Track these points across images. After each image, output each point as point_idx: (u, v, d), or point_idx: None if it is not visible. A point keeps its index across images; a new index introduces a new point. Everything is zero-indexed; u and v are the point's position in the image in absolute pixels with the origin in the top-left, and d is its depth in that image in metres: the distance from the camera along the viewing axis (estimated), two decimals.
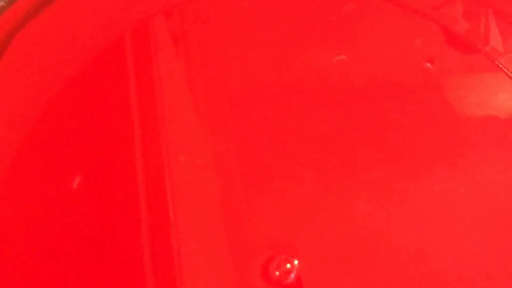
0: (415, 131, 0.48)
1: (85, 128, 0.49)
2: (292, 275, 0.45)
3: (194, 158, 0.48)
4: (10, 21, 0.50)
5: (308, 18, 0.51)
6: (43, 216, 0.47)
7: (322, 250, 0.46)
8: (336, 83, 0.50)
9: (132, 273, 0.46)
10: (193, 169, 0.48)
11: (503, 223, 0.47)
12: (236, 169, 0.48)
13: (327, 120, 0.49)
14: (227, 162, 0.48)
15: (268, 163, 0.48)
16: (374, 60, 0.50)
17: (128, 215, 0.47)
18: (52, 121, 0.49)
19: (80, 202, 0.47)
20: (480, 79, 0.51)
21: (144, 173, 0.47)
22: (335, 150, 0.48)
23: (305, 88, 0.50)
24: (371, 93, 0.49)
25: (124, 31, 0.51)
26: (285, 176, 0.47)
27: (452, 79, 0.50)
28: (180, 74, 0.51)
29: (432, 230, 0.46)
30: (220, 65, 0.51)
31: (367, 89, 0.50)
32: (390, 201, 0.47)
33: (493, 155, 0.48)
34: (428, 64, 0.50)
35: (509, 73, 0.50)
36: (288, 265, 0.45)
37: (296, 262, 0.45)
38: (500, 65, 0.50)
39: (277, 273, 0.45)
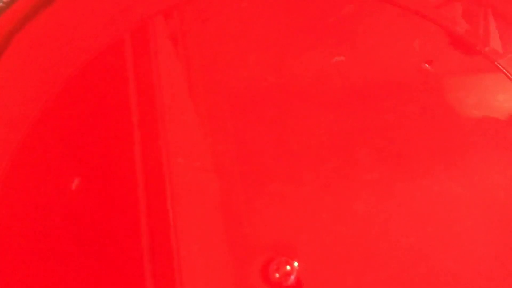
0: (414, 132, 0.48)
1: (85, 129, 0.49)
2: (292, 277, 0.45)
3: (194, 159, 0.48)
4: (10, 22, 0.50)
5: (307, 19, 0.51)
6: (43, 216, 0.46)
7: (322, 252, 0.46)
8: (335, 84, 0.50)
9: (132, 275, 0.46)
10: (193, 170, 0.48)
11: (502, 224, 0.47)
12: (235, 170, 0.48)
13: (326, 121, 0.49)
14: (227, 163, 0.48)
15: (267, 164, 0.48)
16: (373, 61, 0.50)
17: (127, 215, 0.47)
18: (52, 121, 0.49)
19: (79, 202, 0.47)
20: (479, 80, 0.51)
21: (143, 174, 0.47)
22: (334, 151, 0.48)
23: (304, 89, 0.50)
24: (370, 94, 0.49)
25: (123, 31, 0.51)
26: (284, 177, 0.47)
27: (452, 80, 0.50)
28: (180, 75, 0.51)
29: (432, 231, 0.46)
30: (220, 65, 0.51)
31: (366, 90, 0.50)
32: (390, 202, 0.47)
33: (493, 156, 0.48)
34: (427, 65, 0.50)
35: (508, 74, 0.50)
36: (288, 267, 0.45)
37: (296, 264, 0.45)
38: (500, 66, 0.50)
39: (277, 275, 0.45)
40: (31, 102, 0.49)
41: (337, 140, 0.48)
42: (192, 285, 0.46)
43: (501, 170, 0.48)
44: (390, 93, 0.49)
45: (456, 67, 0.50)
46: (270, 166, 0.48)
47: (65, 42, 0.50)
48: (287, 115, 0.49)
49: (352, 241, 0.46)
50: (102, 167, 0.48)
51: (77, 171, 0.47)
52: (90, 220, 0.46)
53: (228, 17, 0.52)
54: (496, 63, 0.50)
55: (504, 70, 0.50)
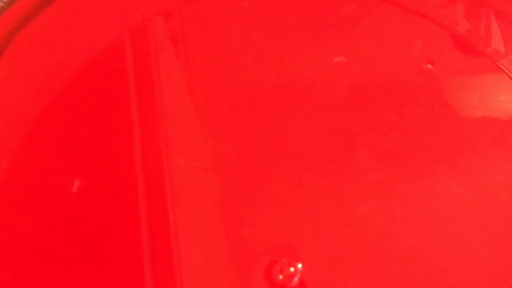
0: (415, 132, 0.48)
1: (85, 129, 0.49)
2: (296, 279, 0.45)
3: (194, 159, 0.48)
4: (10, 22, 0.50)
5: (308, 19, 0.51)
6: (43, 217, 0.46)
7: (324, 253, 0.46)
8: (336, 84, 0.50)
9: (132, 275, 0.45)
10: (193, 170, 0.48)
11: (504, 224, 0.46)
12: (236, 170, 0.48)
13: (327, 121, 0.49)
14: (227, 164, 0.48)
15: (268, 164, 0.48)
16: (374, 61, 0.50)
17: (127, 216, 0.46)
18: (52, 122, 0.49)
19: (79, 203, 0.47)
20: (481, 80, 0.51)
21: (143, 174, 0.47)
22: (335, 152, 0.48)
23: (305, 89, 0.50)
24: (372, 94, 0.49)
25: (123, 32, 0.51)
26: (285, 178, 0.47)
27: (453, 80, 0.50)
28: (180, 75, 0.51)
29: (434, 231, 0.46)
30: (220, 66, 0.51)
31: (367, 90, 0.50)
32: (392, 202, 0.47)
33: (494, 156, 0.48)
34: (429, 65, 0.50)
35: (510, 74, 0.50)
36: (292, 269, 0.45)
37: (299, 265, 0.45)
38: (502, 66, 0.50)
39: (280, 276, 0.45)
40: (31, 102, 0.49)
41: (338, 140, 0.48)
42: (193, 287, 0.46)
43: (503, 170, 0.48)
44: (392, 93, 0.49)
45: (458, 68, 0.50)
46: (271, 167, 0.48)
47: (65, 42, 0.51)
48: (288, 116, 0.49)
49: (354, 241, 0.46)
50: (102, 167, 0.48)
51: (77, 172, 0.47)
52: (89, 220, 0.46)
53: (228, 18, 0.52)
54: (498, 63, 0.50)
55: (506, 70, 0.50)
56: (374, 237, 0.46)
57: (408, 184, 0.47)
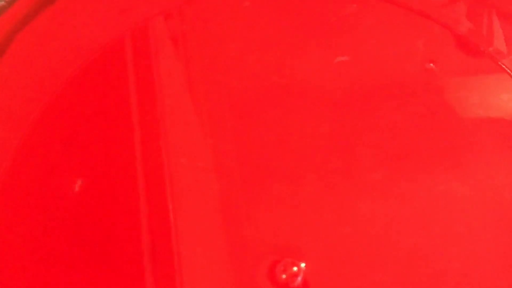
0: (418, 131, 0.48)
1: (85, 129, 0.49)
2: (299, 278, 0.45)
3: (195, 160, 0.48)
4: (11, 21, 0.50)
5: (310, 19, 0.51)
6: (43, 217, 0.46)
7: (327, 252, 0.46)
8: (338, 84, 0.50)
9: (132, 276, 0.45)
10: (194, 170, 0.48)
11: (507, 223, 0.46)
12: (237, 171, 0.48)
13: (329, 121, 0.49)
14: (228, 164, 0.48)
15: (270, 164, 0.48)
16: (376, 60, 0.50)
17: (128, 216, 0.46)
18: (52, 121, 0.49)
19: (79, 203, 0.47)
20: (483, 80, 0.51)
21: (144, 175, 0.47)
22: (337, 151, 0.48)
23: (306, 89, 0.50)
24: (374, 93, 0.49)
25: (124, 32, 0.51)
26: (287, 178, 0.47)
27: (455, 80, 0.50)
28: (180, 75, 0.51)
29: (436, 230, 0.46)
30: (220, 66, 0.51)
31: (369, 90, 0.49)
32: (393, 202, 0.47)
33: (497, 156, 0.48)
34: (431, 65, 0.50)
35: None
36: (295, 268, 0.45)
37: (302, 265, 0.45)
38: (503, 66, 0.50)
39: (283, 276, 0.45)
40: (32, 101, 0.49)
41: (340, 140, 0.48)
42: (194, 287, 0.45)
43: (505, 169, 0.48)
44: (393, 93, 0.49)
45: (460, 67, 0.50)
46: (273, 166, 0.48)
47: (66, 41, 0.51)
48: (289, 115, 0.49)
49: (357, 241, 0.46)
50: (102, 167, 0.48)
51: (78, 171, 0.47)
52: (90, 220, 0.46)
53: (229, 17, 0.52)
54: (500, 63, 0.50)
55: (508, 70, 0.50)
56: (376, 236, 0.46)
57: (410, 183, 0.47)
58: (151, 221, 0.46)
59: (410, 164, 0.48)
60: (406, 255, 0.45)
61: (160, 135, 0.48)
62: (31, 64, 0.50)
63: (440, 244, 0.46)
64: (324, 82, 0.50)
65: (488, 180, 0.47)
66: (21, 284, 0.45)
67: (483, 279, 0.45)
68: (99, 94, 0.50)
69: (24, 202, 0.47)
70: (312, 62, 0.50)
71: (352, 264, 0.45)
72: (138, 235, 0.46)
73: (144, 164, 0.47)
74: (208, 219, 0.47)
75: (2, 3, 0.50)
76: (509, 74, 0.50)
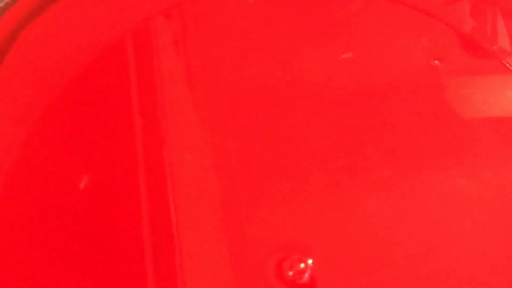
0: (423, 129, 0.48)
1: (87, 128, 0.48)
2: (306, 275, 0.45)
3: (197, 158, 0.48)
4: (13, 20, 0.50)
5: (314, 16, 0.51)
6: (46, 215, 0.46)
7: (334, 249, 0.46)
8: (343, 81, 0.50)
9: (135, 275, 0.45)
10: (196, 169, 0.47)
11: None
12: (240, 169, 0.48)
13: (334, 118, 0.49)
14: (231, 162, 0.48)
15: (275, 162, 0.48)
16: (381, 59, 0.50)
17: (129, 214, 0.46)
18: (54, 120, 0.49)
19: (82, 201, 0.46)
20: (487, 78, 0.51)
21: (146, 173, 0.47)
22: (342, 149, 0.48)
23: (310, 87, 0.50)
24: (379, 91, 0.49)
25: (125, 31, 0.51)
26: (293, 175, 0.47)
27: (459, 78, 0.50)
28: (181, 74, 0.51)
29: (442, 227, 0.46)
30: (222, 64, 0.50)
31: (374, 88, 0.49)
32: (399, 199, 0.47)
33: (502, 154, 0.48)
34: (436, 62, 0.50)
35: None
36: (302, 265, 0.45)
37: (310, 261, 0.45)
38: (507, 65, 0.50)
39: (290, 273, 0.45)
40: (34, 100, 0.49)
41: (345, 137, 0.48)
42: (197, 286, 0.45)
43: (510, 167, 0.48)
44: (398, 90, 0.49)
45: (464, 65, 0.50)
46: (278, 164, 0.47)
47: (68, 41, 0.50)
48: (294, 113, 0.49)
49: (363, 238, 0.46)
50: (104, 166, 0.48)
51: (79, 170, 0.47)
52: (92, 219, 0.46)
53: (230, 15, 0.52)
54: (504, 61, 0.50)
55: None
56: (382, 233, 0.46)
57: (416, 180, 0.47)
58: (153, 219, 0.46)
59: (416, 162, 0.48)
60: (413, 251, 0.45)
61: (161, 133, 0.48)
62: (34, 63, 0.50)
63: (447, 240, 0.46)
64: (329, 80, 0.50)
65: (493, 178, 0.47)
66: (25, 281, 0.45)
67: (489, 276, 0.45)
68: (101, 93, 0.50)
69: (27, 201, 0.47)
70: (317, 60, 0.50)
71: (359, 261, 0.45)
72: (141, 233, 0.46)
73: (146, 162, 0.47)
74: (211, 217, 0.46)
75: (1, 4, 0.50)
76: None
